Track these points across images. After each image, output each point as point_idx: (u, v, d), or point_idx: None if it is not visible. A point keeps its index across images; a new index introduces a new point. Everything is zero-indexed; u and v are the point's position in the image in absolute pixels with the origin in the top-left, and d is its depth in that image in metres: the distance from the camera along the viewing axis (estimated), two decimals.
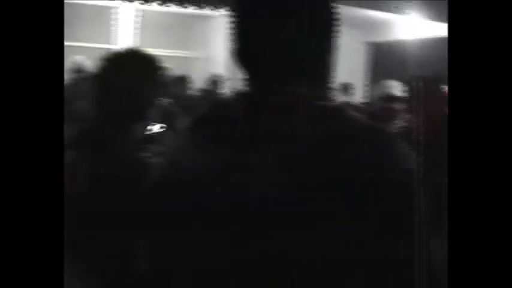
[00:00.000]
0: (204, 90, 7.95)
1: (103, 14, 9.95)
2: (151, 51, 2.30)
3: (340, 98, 8.09)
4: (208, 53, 10.61)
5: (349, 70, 8.26)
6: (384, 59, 10.60)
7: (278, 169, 1.15)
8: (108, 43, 9.46)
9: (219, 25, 10.22)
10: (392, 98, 4.10)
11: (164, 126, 2.49)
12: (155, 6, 8.68)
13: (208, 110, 1.33)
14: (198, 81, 8.23)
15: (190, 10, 9.00)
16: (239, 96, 1.29)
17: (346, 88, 8.44)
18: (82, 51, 8.43)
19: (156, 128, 2.38)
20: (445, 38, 1.27)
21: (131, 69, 2.16)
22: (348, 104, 7.32)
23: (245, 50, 1.29)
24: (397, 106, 4.11)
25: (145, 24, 10.20)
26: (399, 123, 3.89)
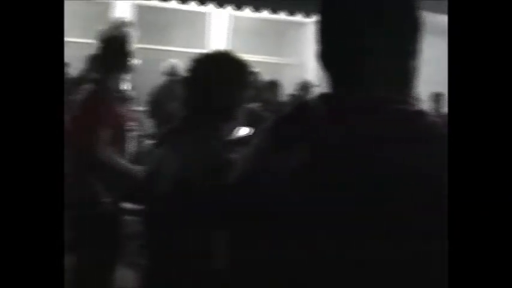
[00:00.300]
0: (293, 96, 7.97)
1: (197, 19, 10.14)
2: (243, 56, 2.32)
3: (431, 107, 7.96)
4: (299, 60, 10.63)
5: (442, 80, 8.09)
6: None
7: (357, 170, 1.15)
8: (201, 48, 9.64)
9: (311, 32, 10.20)
10: None
11: (252, 130, 2.51)
12: (248, 12, 8.77)
13: (290, 110, 1.34)
14: (289, 87, 8.26)
15: (282, 17, 9.04)
16: (322, 98, 1.30)
17: (437, 98, 8.29)
18: (176, 55, 8.64)
19: (244, 131, 2.41)
20: None
21: (222, 72, 2.20)
22: (432, 111, 7.18)
23: (328, 53, 1.30)
24: None
25: (238, 29, 10.32)
26: None
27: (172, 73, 7.62)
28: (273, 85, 7.39)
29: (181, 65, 7.49)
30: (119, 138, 4.14)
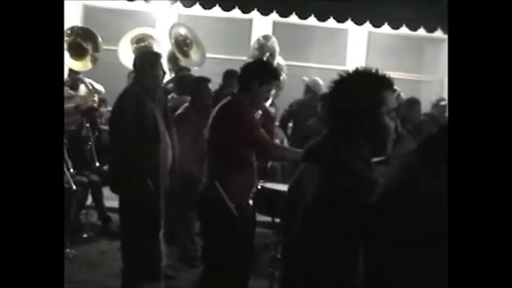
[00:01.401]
0: (429, 115, 7.79)
1: (335, 36, 10.18)
2: (380, 73, 2.31)
3: None
4: (439, 76, 10.41)
5: None
6: None
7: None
8: (339, 64, 9.69)
9: None
10: None
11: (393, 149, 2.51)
12: (385, 29, 8.68)
13: (437, 131, 1.35)
14: (428, 105, 8.11)
15: (420, 33, 8.87)
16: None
17: None
18: (315, 71, 8.74)
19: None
20: None
21: (364, 89, 2.20)
22: None
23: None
24: None
25: (376, 46, 10.26)
26: None
27: (311, 89, 7.70)
28: (413, 103, 7.26)
29: (320, 82, 7.58)
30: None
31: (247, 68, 4.44)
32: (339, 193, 2.02)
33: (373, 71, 2.27)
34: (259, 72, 4.24)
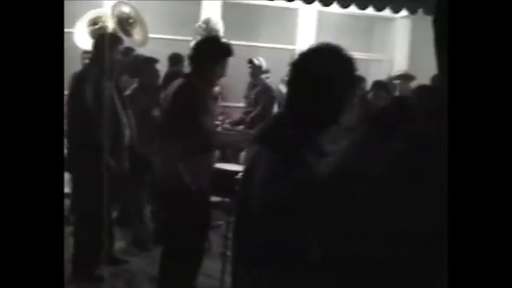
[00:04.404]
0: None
1: (284, 16, 10.16)
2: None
3: None
4: (389, 55, 10.51)
5: None
6: None
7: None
8: (289, 44, 9.69)
9: (400, 27, 10.12)
10: None
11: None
12: (335, 8, 8.67)
13: (389, 103, 1.35)
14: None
15: (369, 12, 8.91)
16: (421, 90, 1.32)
17: None
18: (264, 51, 8.72)
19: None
20: None
21: (330, 68, 2.05)
22: None
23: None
24: None
25: (324, 25, 10.27)
26: None
27: (263, 70, 7.75)
28: (359, 80, 7.33)
29: (266, 62, 7.63)
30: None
31: (198, 47, 4.38)
32: (291, 175, 1.92)
33: (338, 48, 2.15)
34: (211, 50, 4.20)
